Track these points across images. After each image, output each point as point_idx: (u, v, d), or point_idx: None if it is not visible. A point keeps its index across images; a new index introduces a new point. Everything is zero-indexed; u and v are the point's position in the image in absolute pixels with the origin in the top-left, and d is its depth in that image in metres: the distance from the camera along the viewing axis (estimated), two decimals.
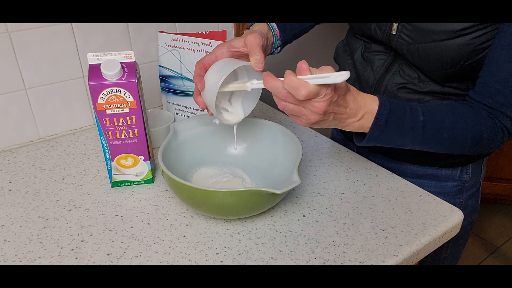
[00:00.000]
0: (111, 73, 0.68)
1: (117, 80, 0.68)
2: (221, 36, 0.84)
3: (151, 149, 0.79)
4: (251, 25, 0.80)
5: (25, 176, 0.81)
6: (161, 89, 0.94)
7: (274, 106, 1.06)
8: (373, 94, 0.80)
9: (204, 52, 0.86)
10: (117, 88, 0.69)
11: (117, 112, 0.71)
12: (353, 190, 0.77)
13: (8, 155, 0.88)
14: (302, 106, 0.58)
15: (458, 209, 0.73)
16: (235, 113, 0.73)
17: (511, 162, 1.97)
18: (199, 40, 0.85)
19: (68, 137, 0.95)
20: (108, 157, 0.74)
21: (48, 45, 0.88)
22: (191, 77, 0.89)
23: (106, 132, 0.72)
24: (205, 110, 0.72)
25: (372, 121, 0.63)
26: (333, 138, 1.00)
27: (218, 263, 0.62)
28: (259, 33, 0.70)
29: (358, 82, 0.85)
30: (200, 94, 0.69)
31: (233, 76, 0.73)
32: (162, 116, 0.94)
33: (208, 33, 0.85)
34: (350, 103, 0.61)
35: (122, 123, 0.72)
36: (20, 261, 0.63)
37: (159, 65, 0.92)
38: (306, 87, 0.54)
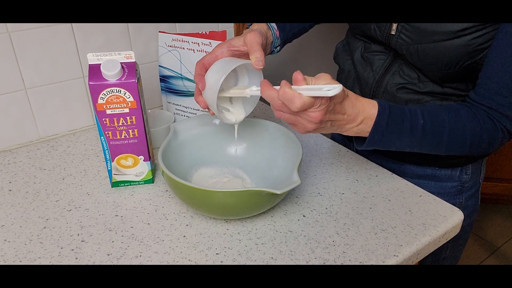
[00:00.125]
0: (111, 73, 0.68)
1: (117, 80, 0.68)
2: (221, 36, 0.85)
3: (151, 149, 0.79)
4: (250, 25, 0.80)
5: (25, 176, 0.81)
6: (161, 89, 0.94)
7: None
8: (373, 94, 0.81)
9: (204, 52, 0.86)
10: (117, 88, 0.69)
11: (117, 112, 0.71)
12: (353, 190, 0.77)
13: (8, 155, 0.88)
14: (298, 115, 0.59)
15: (458, 209, 0.73)
16: (236, 112, 0.73)
17: (511, 162, 1.97)
18: (199, 40, 0.85)
19: (68, 137, 0.95)
20: (108, 157, 0.74)
21: (48, 45, 0.88)
22: (191, 77, 0.89)
23: (106, 132, 0.72)
24: (206, 109, 0.72)
25: (372, 126, 0.64)
26: (333, 138, 1.00)
27: (218, 263, 0.62)
28: (258, 32, 0.70)
29: (358, 82, 0.85)
30: (201, 93, 0.69)
31: (234, 75, 0.73)
32: (162, 116, 0.94)
33: (208, 33, 0.85)
34: (348, 110, 0.62)
35: (122, 123, 0.72)
36: (20, 261, 0.63)
37: (159, 65, 0.92)
38: (300, 99, 0.55)
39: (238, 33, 1.15)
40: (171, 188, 0.68)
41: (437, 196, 0.77)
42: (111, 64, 0.68)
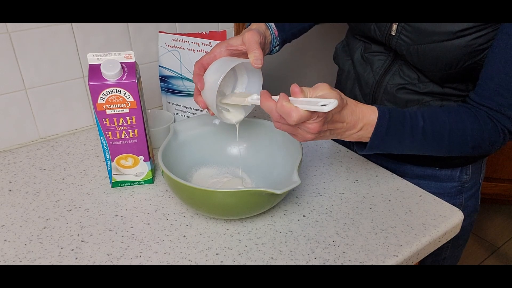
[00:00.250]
0: (111, 73, 0.68)
1: (117, 80, 0.68)
2: (221, 36, 0.85)
3: (151, 149, 0.79)
4: (249, 25, 0.80)
5: (25, 176, 0.81)
6: (161, 89, 0.94)
7: None
8: (373, 94, 0.81)
9: (204, 53, 0.86)
10: (117, 88, 0.69)
11: (117, 112, 0.71)
12: (353, 190, 0.77)
13: (8, 155, 0.88)
14: (296, 127, 0.59)
15: (458, 209, 0.73)
16: (236, 112, 0.73)
17: (511, 162, 1.97)
18: (199, 40, 0.85)
19: (68, 137, 0.95)
20: (108, 157, 0.74)
21: (48, 45, 0.88)
22: (191, 78, 0.89)
23: (106, 132, 0.72)
24: (206, 109, 0.72)
25: (372, 131, 0.64)
26: (333, 139, 1.00)
27: (218, 263, 0.62)
28: (256, 31, 0.70)
29: (358, 82, 0.85)
30: (200, 93, 0.69)
31: (233, 74, 0.73)
32: (162, 116, 0.94)
33: (208, 33, 0.85)
34: (347, 118, 0.62)
35: (122, 123, 0.72)
36: (20, 261, 0.62)
37: (159, 65, 0.92)
38: (297, 112, 0.55)
39: (238, 33, 1.15)
40: (171, 188, 0.68)
41: (437, 196, 0.77)
42: (111, 64, 0.68)
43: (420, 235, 0.67)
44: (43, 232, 0.68)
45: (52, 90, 0.92)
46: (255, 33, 0.68)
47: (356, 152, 0.90)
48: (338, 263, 0.62)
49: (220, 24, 1.10)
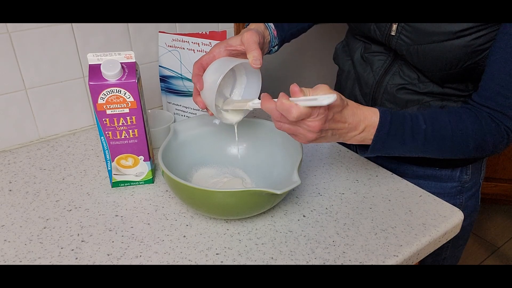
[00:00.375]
0: (111, 73, 0.68)
1: (117, 80, 0.68)
2: (221, 36, 0.85)
3: (151, 149, 0.79)
4: (248, 25, 0.80)
5: (25, 176, 0.81)
6: (161, 89, 0.94)
7: None
8: (373, 94, 0.81)
9: (204, 53, 0.86)
10: (117, 88, 0.69)
11: (117, 112, 0.71)
12: (353, 190, 0.77)
13: (8, 155, 0.88)
14: (297, 125, 0.59)
15: (458, 209, 0.73)
16: (235, 112, 0.73)
17: (511, 162, 1.97)
18: (199, 40, 0.85)
19: (68, 138, 0.95)
20: (108, 157, 0.74)
21: (48, 45, 0.88)
22: (191, 78, 0.89)
23: (106, 132, 0.72)
24: (205, 110, 0.72)
25: (374, 133, 0.64)
26: None
27: (218, 263, 0.62)
28: (255, 31, 0.70)
29: (358, 82, 0.85)
30: (199, 94, 0.69)
31: (232, 74, 0.73)
32: (162, 116, 0.94)
33: (208, 33, 0.85)
34: (349, 118, 0.62)
35: (122, 123, 0.72)
36: (20, 261, 0.62)
37: (159, 65, 0.92)
38: (297, 109, 0.56)
39: (238, 33, 1.15)
40: (171, 188, 0.68)
41: (437, 196, 0.76)
42: (111, 64, 0.68)
43: (420, 235, 0.67)
44: (43, 232, 0.68)
45: (52, 90, 0.92)
46: (254, 33, 0.68)
47: (357, 152, 0.90)
48: (338, 263, 0.62)
49: (220, 24, 1.10)
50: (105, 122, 0.71)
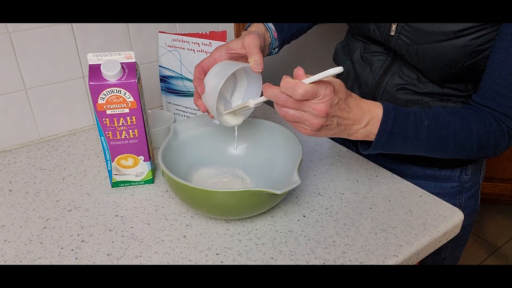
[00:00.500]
0: (111, 73, 0.68)
1: (117, 80, 0.68)
2: (221, 36, 0.85)
3: (151, 149, 0.79)
4: (249, 26, 0.80)
5: (25, 176, 0.81)
6: (161, 89, 0.94)
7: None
8: (372, 94, 0.81)
9: (204, 53, 0.86)
10: (117, 89, 0.69)
11: (117, 112, 0.71)
12: (353, 190, 0.77)
13: (8, 155, 0.88)
14: (302, 110, 0.58)
15: (458, 209, 0.73)
16: (236, 115, 0.73)
17: (511, 162, 1.97)
18: (199, 40, 0.85)
19: (68, 138, 0.95)
20: (108, 157, 0.74)
21: (48, 45, 0.88)
22: (191, 78, 0.89)
23: (106, 132, 0.72)
24: (206, 112, 0.72)
25: (378, 127, 0.63)
26: (332, 139, 1.00)
27: (218, 263, 0.62)
28: (256, 34, 0.70)
29: (357, 83, 0.85)
30: (200, 97, 0.69)
31: (233, 78, 0.73)
32: (162, 117, 0.94)
33: (208, 33, 0.85)
34: (353, 108, 0.61)
35: (122, 123, 0.72)
36: (20, 261, 0.63)
37: (159, 66, 0.92)
38: (302, 86, 0.55)
39: (238, 33, 1.15)
40: (171, 188, 0.68)
41: (437, 196, 0.76)
42: (111, 64, 0.68)
43: (420, 235, 0.67)
44: (43, 232, 0.68)
45: (52, 90, 0.92)
46: (255, 37, 0.68)
47: (357, 153, 0.90)
48: (338, 263, 0.62)
49: (220, 24, 1.10)
50: (105, 122, 0.71)
